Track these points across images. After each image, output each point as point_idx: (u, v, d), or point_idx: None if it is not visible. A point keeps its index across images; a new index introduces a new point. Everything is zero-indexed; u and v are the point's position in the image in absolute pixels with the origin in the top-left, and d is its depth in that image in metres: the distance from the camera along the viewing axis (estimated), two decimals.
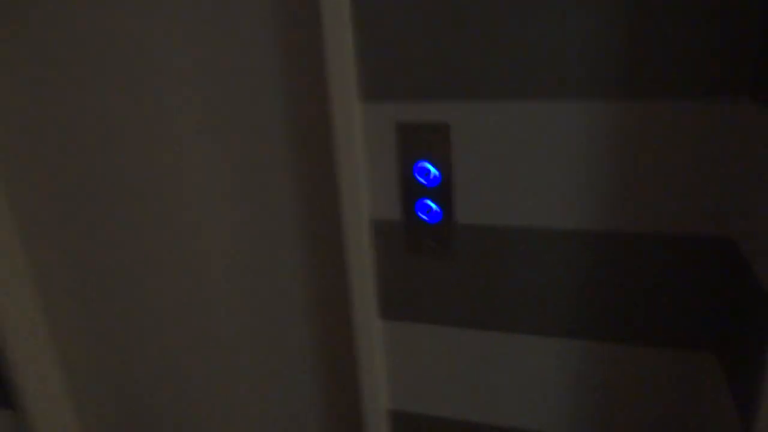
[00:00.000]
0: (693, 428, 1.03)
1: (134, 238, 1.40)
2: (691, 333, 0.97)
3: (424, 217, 1.07)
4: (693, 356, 0.99)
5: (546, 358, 1.08)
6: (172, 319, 1.45)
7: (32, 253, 1.50)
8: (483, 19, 0.91)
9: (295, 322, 1.35)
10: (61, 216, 1.44)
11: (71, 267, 1.49)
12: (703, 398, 1.00)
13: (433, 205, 1.06)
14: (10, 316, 1.48)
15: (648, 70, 0.86)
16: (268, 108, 1.20)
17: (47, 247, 1.49)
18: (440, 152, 1.02)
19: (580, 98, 0.91)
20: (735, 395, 0.84)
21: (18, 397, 1.53)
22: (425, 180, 1.05)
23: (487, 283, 1.07)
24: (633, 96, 0.88)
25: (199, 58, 1.20)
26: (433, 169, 1.03)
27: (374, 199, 1.09)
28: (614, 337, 1.02)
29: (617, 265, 0.98)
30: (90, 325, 1.54)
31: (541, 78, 0.92)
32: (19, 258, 1.49)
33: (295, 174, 1.23)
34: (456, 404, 1.18)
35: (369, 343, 1.15)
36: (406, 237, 1.09)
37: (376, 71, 1.00)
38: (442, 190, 1.04)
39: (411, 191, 1.06)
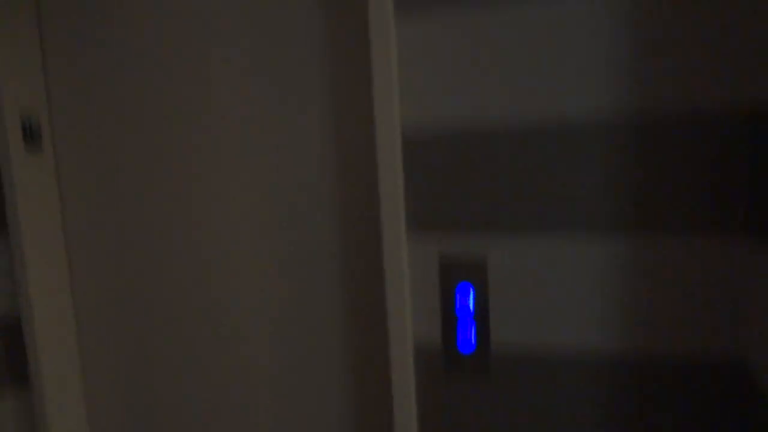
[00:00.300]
0: None
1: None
2: None
3: (462, 342, 1.16)
4: None
5: None
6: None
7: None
8: (515, 165, 1.07)
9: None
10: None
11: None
12: None
13: (471, 331, 1.15)
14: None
15: (659, 210, 0.99)
16: (323, 242, 1.34)
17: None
18: (478, 280, 1.13)
19: (601, 232, 1.03)
20: None
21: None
22: (464, 306, 1.15)
23: (523, 407, 1.13)
24: (647, 231, 1.00)
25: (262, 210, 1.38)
26: (471, 296, 1.14)
27: (416, 323, 1.18)
28: None
29: (639, 389, 1.04)
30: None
31: (567, 214, 1.05)
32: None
33: (347, 297, 1.34)
34: None
35: None
36: (445, 360, 1.17)
37: (421, 207, 1.15)
38: (479, 316, 1.14)
39: (450, 317, 1.16)
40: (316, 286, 1.35)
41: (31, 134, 1.50)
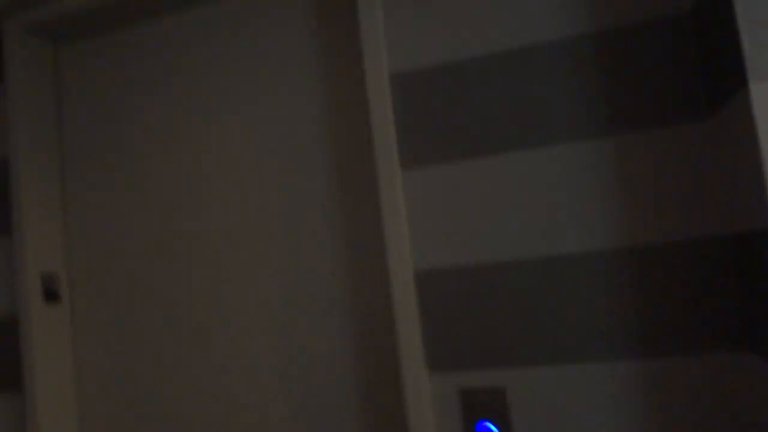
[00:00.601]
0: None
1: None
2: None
3: None
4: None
5: None
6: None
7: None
8: (525, 299, 1.13)
9: None
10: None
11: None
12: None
13: None
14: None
15: (660, 333, 1.05)
16: (342, 384, 1.38)
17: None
18: (498, 413, 1.17)
19: (610, 358, 1.08)
20: None
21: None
22: None
23: None
24: (651, 354, 1.05)
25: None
26: (493, 428, 1.17)
27: None
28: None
29: None
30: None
31: (577, 344, 1.10)
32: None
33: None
34: None
35: None
36: None
37: (440, 346, 1.20)
38: None
39: None
40: (339, 427, 1.37)
41: (50, 292, 1.55)
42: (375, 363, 1.35)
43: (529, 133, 1.15)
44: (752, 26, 0.86)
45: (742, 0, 0.87)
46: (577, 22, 1.14)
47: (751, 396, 1.01)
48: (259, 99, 1.47)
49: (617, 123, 1.10)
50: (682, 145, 1.07)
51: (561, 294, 1.12)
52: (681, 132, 1.07)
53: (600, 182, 1.11)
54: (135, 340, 1.56)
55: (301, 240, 1.41)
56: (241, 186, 1.47)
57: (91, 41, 1.66)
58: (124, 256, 1.58)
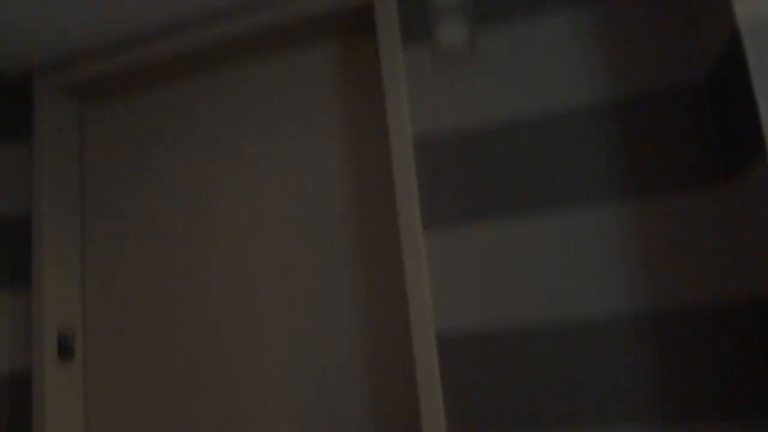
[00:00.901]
0: None
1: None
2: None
3: None
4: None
5: None
6: None
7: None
8: (547, 365, 1.14)
9: None
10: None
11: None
12: None
13: None
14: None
15: (685, 399, 1.05)
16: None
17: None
18: None
19: (633, 426, 1.08)
20: None
21: None
22: None
23: None
24: (676, 421, 1.06)
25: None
26: None
27: None
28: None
29: None
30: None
31: (599, 409, 1.10)
32: None
33: None
34: None
35: None
36: None
37: (460, 409, 1.19)
38: None
39: None
40: None
41: (65, 348, 1.55)
42: (396, 425, 1.34)
43: (550, 197, 1.18)
44: None
45: (758, 67, 0.91)
46: (597, 89, 1.18)
47: None
48: (282, 160, 1.51)
49: (637, 188, 1.13)
50: (700, 210, 1.09)
51: (581, 359, 1.12)
52: (699, 198, 1.09)
53: (621, 246, 1.13)
54: (150, 401, 1.54)
55: (324, 300, 1.42)
56: (263, 245, 1.49)
57: (117, 101, 1.71)
58: (141, 314, 1.59)
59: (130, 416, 1.56)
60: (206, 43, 1.50)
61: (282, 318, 1.45)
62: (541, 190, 1.19)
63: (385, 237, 1.39)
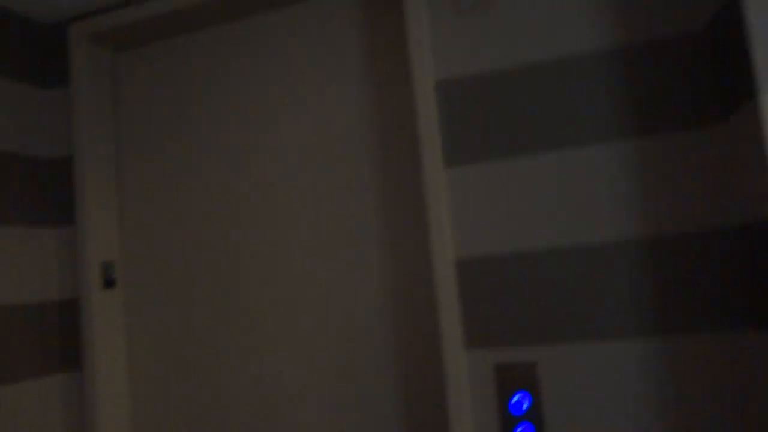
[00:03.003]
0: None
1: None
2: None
3: None
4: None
5: None
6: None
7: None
8: (556, 285, 1.27)
9: None
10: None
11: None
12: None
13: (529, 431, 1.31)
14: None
15: (678, 314, 1.19)
16: (384, 357, 1.51)
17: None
18: (530, 385, 1.30)
19: (634, 337, 1.22)
20: None
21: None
22: (520, 410, 1.31)
23: None
24: (670, 332, 1.20)
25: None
26: (526, 399, 1.31)
27: (478, 429, 1.34)
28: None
29: None
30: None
31: (602, 322, 1.24)
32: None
33: (408, 408, 1.50)
34: None
35: None
36: None
37: (477, 326, 1.33)
38: (534, 418, 1.30)
39: (508, 420, 1.32)
40: (378, 408, 1.51)
41: (108, 280, 1.69)
42: (418, 341, 1.48)
43: (561, 135, 1.29)
44: (763, 41, 1.00)
45: (753, 19, 1.01)
46: (605, 36, 1.28)
47: (755, 365, 1.15)
48: (308, 102, 1.61)
49: (640, 127, 1.25)
50: (697, 146, 1.21)
51: (588, 279, 1.26)
52: (697, 135, 1.21)
53: (624, 179, 1.25)
54: (184, 325, 1.69)
55: (350, 233, 1.55)
56: (291, 182, 1.61)
57: (148, 48, 1.79)
58: (175, 248, 1.71)
59: (167, 339, 1.71)
60: None
61: (310, 245, 1.58)
62: (552, 130, 1.30)
63: (408, 174, 1.51)
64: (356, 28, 1.58)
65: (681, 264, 1.21)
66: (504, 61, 1.34)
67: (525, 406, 1.31)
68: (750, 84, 1.03)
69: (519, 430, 1.31)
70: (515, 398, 1.31)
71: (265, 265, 1.62)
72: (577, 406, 1.27)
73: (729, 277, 1.18)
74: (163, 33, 1.74)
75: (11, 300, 1.62)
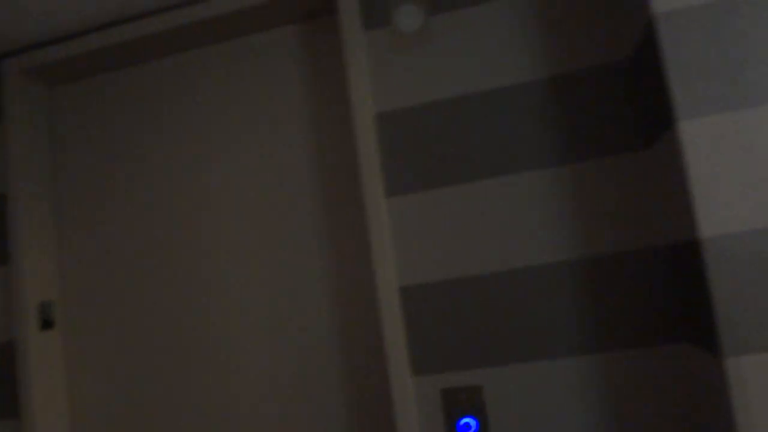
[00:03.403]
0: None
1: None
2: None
3: None
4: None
5: None
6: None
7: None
8: (498, 308, 1.31)
9: None
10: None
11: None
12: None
13: None
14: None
15: (617, 332, 1.24)
16: (332, 391, 1.51)
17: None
18: (477, 408, 1.33)
19: (574, 355, 1.26)
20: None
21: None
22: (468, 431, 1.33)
23: None
24: (609, 349, 1.24)
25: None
26: (472, 422, 1.33)
27: None
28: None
29: None
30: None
31: (545, 343, 1.28)
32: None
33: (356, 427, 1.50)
34: None
35: None
36: None
37: (423, 352, 1.35)
38: None
39: None
40: (330, 426, 1.51)
41: (46, 320, 1.64)
42: (365, 369, 1.49)
43: (496, 163, 1.34)
44: (679, 74, 1.07)
45: (670, 51, 1.08)
46: (537, 68, 1.34)
47: (689, 378, 1.20)
48: (249, 135, 1.62)
49: (571, 154, 1.30)
50: (625, 171, 1.27)
51: (527, 300, 1.30)
52: (624, 161, 1.27)
53: (558, 204, 1.30)
54: (128, 366, 1.65)
55: (295, 263, 1.55)
56: (234, 215, 1.61)
57: (84, 83, 1.77)
58: (117, 286, 1.68)
59: (109, 382, 1.66)
60: (171, 26, 1.58)
61: (254, 276, 1.57)
62: (488, 158, 1.35)
63: (351, 205, 1.53)
64: (296, 62, 1.61)
65: (617, 283, 1.26)
66: (441, 93, 1.39)
67: (472, 429, 1.33)
68: (668, 114, 1.09)
69: None
70: (462, 422, 1.33)
71: (210, 301, 1.60)
72: (523, 426, 1.30)
73: (662, 294, 1.24)
74: (100, 68, 1.73)
75: None
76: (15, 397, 1.64)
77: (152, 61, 1.72)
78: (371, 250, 1.37)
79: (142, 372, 1.64)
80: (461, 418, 1.33)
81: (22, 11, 1.53)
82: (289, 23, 1.62)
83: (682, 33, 1.07)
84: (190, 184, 1.65)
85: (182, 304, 1.62)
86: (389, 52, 1.42)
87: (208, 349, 1.59)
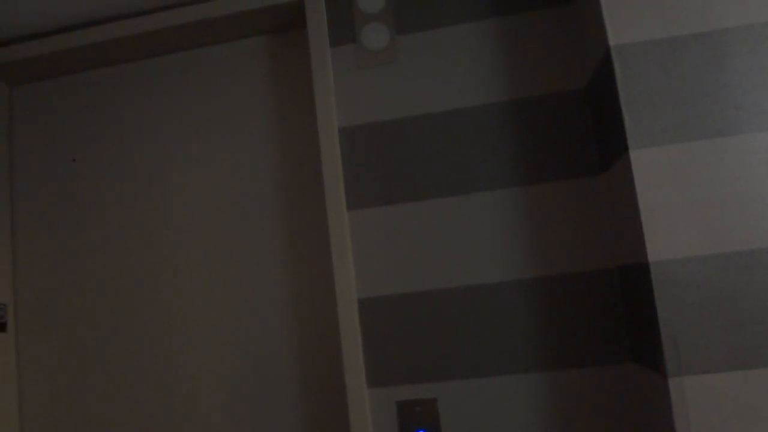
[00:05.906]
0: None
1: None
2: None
3: None
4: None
5: None
6: None
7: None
8: (453, 323, 1.34)
9: None
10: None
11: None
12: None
13: None
14: None
15: (564, 347, 1.29)
16: (289, 402, 1.52)
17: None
18: (431, 421, 1.35)
19: (525, 372, 1.30)
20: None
21: None
22: None
23: None
24: (559, 367, 1.29)
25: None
26: None
27: None
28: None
29: None
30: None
31: (496, 359, 1.32)
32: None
33: None
34: None
35: None
36: None
37: (379, 364, 1.38)
38: None
39: None
40: None
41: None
42: (322, 379, 1.51)
43: (455, 182, 1.37)
44: (631, 105, 1.12)
45: (624, 83, 1.12)
46: (496, 92, 1.38)
47: (636, 397, 1.25)
48: (213, 144, 1.62)
49: (527, 176, 1.35)
50: (579, 195, 1.32)
51: (481, 317, 1.33)
52: (578, 184, 1.32)
53: (514, 224, 1.34)
54: (82, 370, 1.63)
55: (255, 272, 1.56)
56: (195, 223, 1.60)
57: (44, 85, 1.75)
58: (71, 288, 1.66)
59: (62, 386, 1.64)
60: (137, 31, 1.57)
61: (215, 285, 1.58)
62: (448, 176, 1.38)
63: (313, 216, 1.54)
64: (265, 73, 1.62)
65: (568, 303, 1.31)
66: (403, 110, 1.42)
67: None
68: (621, 142, 1.14)
69: None
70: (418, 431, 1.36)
71: (167, 308, 1.60)
72: None
73: (612, 314, 1.29)
74: (62, 70, 1.71)
75: None
76: None
77: (118, 65, 1.71)
78: (332, 261, 1.39)
79: (96, 376, 1.62)
80: (416, 431, 1.36)
81: None
82: (260, 34, 1.64)
83: (635, 66, 1.12)
84: (150, 190, 1.64)
85: (139, 310, 1.61)
86: (355, 68, 1.45)
87: (164, 357, 1.59)
